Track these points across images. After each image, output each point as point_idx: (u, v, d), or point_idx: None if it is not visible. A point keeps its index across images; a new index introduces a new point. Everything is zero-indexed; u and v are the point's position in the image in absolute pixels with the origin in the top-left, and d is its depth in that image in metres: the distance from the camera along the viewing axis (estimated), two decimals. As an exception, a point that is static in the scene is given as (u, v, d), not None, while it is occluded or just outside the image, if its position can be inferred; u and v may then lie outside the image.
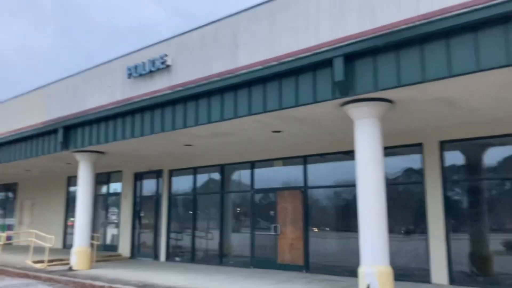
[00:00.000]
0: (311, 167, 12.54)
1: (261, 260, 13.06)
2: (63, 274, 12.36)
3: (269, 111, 9.00)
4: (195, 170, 15.48)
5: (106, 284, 10.56)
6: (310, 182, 12.47)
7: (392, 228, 9.42)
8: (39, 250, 15.10)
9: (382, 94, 7.80)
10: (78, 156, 14.03)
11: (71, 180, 20.70)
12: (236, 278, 11.32)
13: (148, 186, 17.04)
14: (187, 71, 10.57)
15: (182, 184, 16.02)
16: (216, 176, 14.91)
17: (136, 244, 16.89)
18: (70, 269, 13.25)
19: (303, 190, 12.46)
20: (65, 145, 13.65)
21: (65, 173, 20.55)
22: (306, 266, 12.05)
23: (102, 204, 18.98)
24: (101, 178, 18.98)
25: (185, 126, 10.47)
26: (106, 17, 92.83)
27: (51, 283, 11.76)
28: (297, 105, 8.54)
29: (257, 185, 13.66)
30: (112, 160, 15.80)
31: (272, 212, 13.09)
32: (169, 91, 10.72)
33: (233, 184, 14.62)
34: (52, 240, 14.26)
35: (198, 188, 15.40)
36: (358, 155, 8.20)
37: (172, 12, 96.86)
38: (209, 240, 14.88)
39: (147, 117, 11.34)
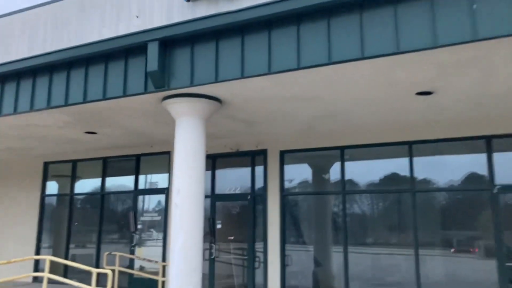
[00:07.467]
0: None
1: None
2: None
3: None
4: (342, 152, 9.11)
5: None
6: None
7: None
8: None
9: None
10: (178, 107, 6.90)
11: (50, 168, 12.62)
12: None
13: (231, 178, 10.14)
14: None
15: (307, 175, 9.55)
16: (392, 163, 8.73)
17: (205, 277, 9.83)
18: None
19: None
20: (162, 78, 6.51)
21: (40, 154, 12.45)
22: None
23: (121, 207, 11.46)
24: (119, 167, 11.61)
25: None
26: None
27: None
28: None
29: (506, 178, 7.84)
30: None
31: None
32: None
33: (435, 172, 8.53)
34: (160, 267, 6.78)
35: (349, 181, 9.04)
36: None
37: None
38: (386, 267, 8.63)
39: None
